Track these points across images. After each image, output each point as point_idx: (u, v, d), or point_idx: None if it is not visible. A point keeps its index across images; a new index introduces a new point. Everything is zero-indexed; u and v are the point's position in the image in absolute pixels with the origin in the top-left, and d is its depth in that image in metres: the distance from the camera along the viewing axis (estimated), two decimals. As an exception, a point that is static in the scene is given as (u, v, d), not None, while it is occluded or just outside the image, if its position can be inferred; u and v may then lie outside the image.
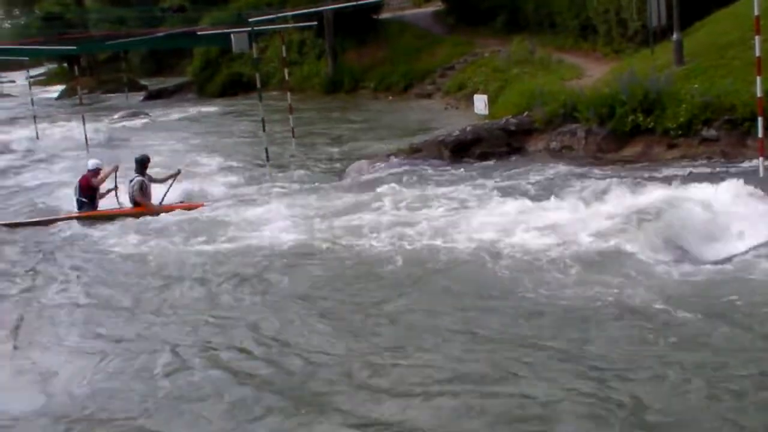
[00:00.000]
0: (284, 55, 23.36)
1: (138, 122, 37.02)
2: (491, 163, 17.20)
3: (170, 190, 15.99)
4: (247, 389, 7.31)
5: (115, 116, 39.50)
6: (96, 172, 15.81)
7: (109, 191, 15.84)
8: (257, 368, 7.78)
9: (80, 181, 15.86)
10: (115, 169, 15.95)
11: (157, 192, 15.84)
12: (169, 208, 15.11)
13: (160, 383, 7.65)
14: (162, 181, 16.05)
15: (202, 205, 15.27)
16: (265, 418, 6.79)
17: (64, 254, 12.90)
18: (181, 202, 15.81)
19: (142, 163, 15.58)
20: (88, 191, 15.66)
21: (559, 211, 11.87)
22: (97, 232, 13.96)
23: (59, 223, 15.07)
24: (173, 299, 10.13)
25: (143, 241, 12.93)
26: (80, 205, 15.69)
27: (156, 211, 15.02)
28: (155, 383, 7.66)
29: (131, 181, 15.51)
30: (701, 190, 11.96)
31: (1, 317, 10.14)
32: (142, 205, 15.27)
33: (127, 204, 15.55)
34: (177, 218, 14.16)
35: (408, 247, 11.07)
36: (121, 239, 13.23)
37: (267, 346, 8.30)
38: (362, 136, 24.64)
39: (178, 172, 16.28)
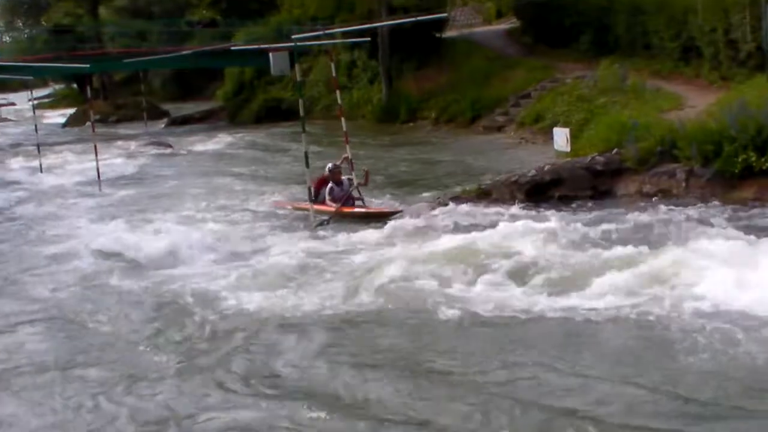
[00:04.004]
0: (334, 74, 23.16)
1: (158, 154, 37.50)
2: (573, 208, 17.27)
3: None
4: None
5: (132, 147, 40.19)
6: (330, 175, 19.39)
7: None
8: None
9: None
10: (345, 160, 19.95)
11: None
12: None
13: None
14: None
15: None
16: None
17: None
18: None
19: (331, 172, 19.30)
20: (316, 194, 19.14)
21: (664, 264, 11.89)
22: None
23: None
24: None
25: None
26: None
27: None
28: None
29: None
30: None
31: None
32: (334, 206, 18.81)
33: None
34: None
35: (476, 308, 11.27)
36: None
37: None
38: (421, 174, 24.82)
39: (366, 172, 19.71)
